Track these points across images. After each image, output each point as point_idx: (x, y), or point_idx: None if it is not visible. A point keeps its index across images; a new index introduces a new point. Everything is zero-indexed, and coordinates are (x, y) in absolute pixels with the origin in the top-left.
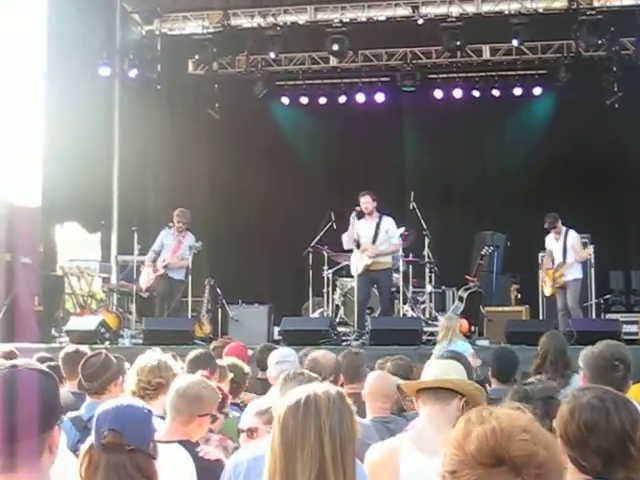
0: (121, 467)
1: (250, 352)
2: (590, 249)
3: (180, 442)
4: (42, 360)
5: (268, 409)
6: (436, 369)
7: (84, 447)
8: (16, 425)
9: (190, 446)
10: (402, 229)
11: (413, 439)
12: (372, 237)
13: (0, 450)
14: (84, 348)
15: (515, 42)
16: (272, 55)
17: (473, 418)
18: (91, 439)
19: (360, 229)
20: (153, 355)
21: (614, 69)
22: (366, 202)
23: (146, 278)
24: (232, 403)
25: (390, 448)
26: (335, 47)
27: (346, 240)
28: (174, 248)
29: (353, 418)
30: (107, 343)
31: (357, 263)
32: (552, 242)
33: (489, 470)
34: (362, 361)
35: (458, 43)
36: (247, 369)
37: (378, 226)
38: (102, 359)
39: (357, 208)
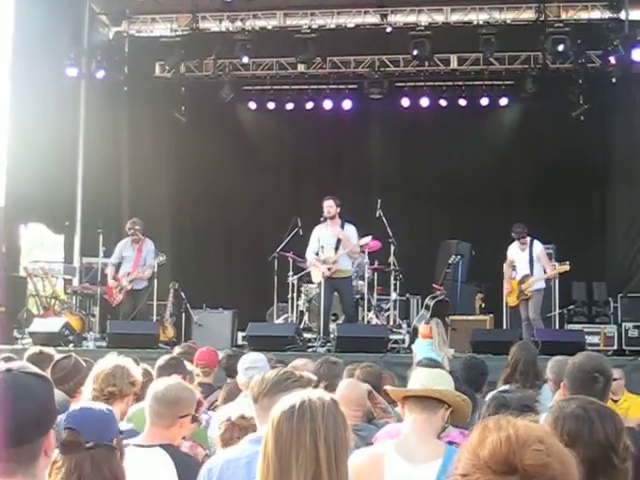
0: (80, 467)
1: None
2: (566, 266)
3: (161, 446)
4: (7, 360)
5: (243, 416)
6: (425, 377)
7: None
8: (12, 430)
9: (172, 449)
10: (369, 237)
11: (397, 446)
12: (334, 244)
13: None
14: (48, 349)
15: (487, 54)
16: (242, 60)
17: (490, 425)
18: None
19: (322, 235)
20: (111, 361)
21: (580, 81)
22: (329, 206)
23: (113, 294)
24: None
25: (374, 454)
26: (303, 53)
27: (308, 253)
28: (135, 260)
29: (347, 425)
30: (71, 345)
31: (317, 272)
32: (517, 252)
33: (500, 477)
34: (340, 371)
35: (426, 52)
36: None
37: (340, 232)
38: (72, 362)
39: (322, 219)
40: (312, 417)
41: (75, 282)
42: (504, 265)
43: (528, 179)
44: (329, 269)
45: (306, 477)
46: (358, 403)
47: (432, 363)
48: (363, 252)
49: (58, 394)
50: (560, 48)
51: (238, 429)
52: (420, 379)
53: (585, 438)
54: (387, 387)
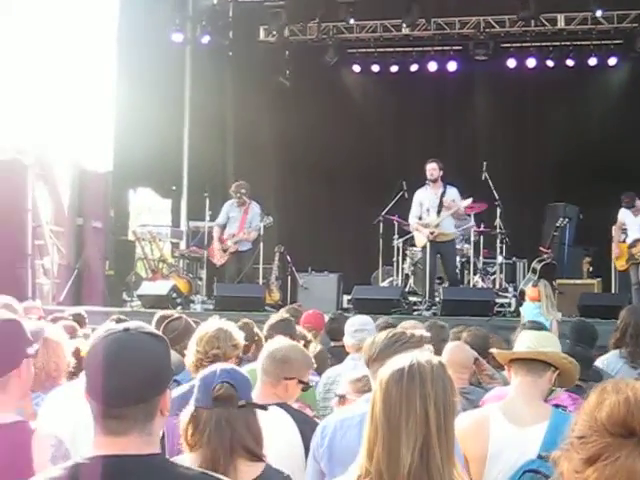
0: (234, 421)
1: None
2: None
3: (278, 404)
4: (118, 321)
5: (362, 378)
6: (531, 340)
7: (185, 413)
8: (129, 388)
9: (289, 408)
10: (470, 199)
11: (503, 409)
12: (437, 207)
13: (114, 414)
14: (166, 312)
15: (599, 12)
16: (347, 22)
17: (609, 387)
18: (191, 404)
19: (422, 198)
20: (214, 324)
21: None
22: (432, 169)
23: (219, 255)
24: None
25: (480, 417)
26: (407, 15)
27: (411, 216)
28: (241, 222)
29: (454, 389)
30: (179, 308)
31: (420, 236)
32: (628, 215)
33: (618, 440)
34: (447, 335)
35: (532, 12)
36: (310, 337)
37: (443, 195)
38: (183, 323)
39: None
40: (422, 380)
41: (182, 245)
42: (613, 228)
43: (638, 141)
44: (432, 233)
45: (416, 442)
46: (464, 365)
47: (537, 325)
48: (468, 215)
49: (173, 355)
50: None
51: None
52: (526, 342)
53: None
54: (493, 350)
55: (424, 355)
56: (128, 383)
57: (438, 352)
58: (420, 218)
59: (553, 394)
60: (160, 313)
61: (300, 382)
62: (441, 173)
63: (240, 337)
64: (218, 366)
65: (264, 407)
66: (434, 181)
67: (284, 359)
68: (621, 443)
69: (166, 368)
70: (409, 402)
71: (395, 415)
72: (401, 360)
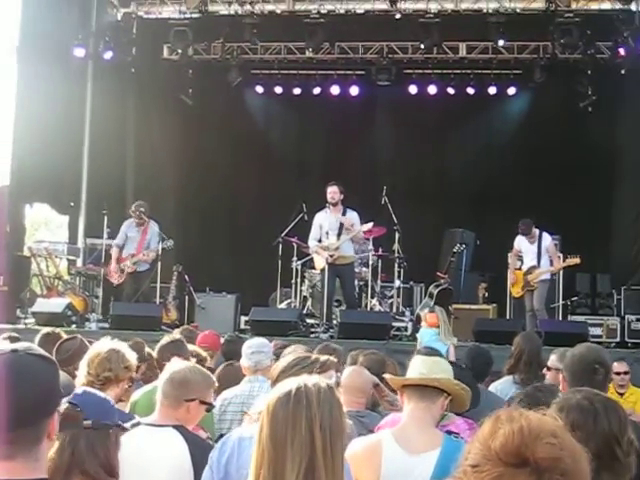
0: (75, 443)
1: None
2: (577, 259)
3: (174, 426)
4: (13, 340)
5: None
6: (424, 366)
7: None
8: (16, 412)
9: (184, 430)
10: (370, 224)
11: (396, 435)
12: (337, 230)
13: (1, 438)
14: (59, 331)
15: (501, 42)
16: (250, 43)
17: (502, 417)
18: None
19: (322, 221)
20: (106, 345)
21: (589, 72)
22: (333, 192)
23: (116, 275)
24: None
25: (373, 442)
26: (312, 38)
27: (311, 238)
28: (139, 242)
29: (342, 411)
30: (73, 326)
31: (319, 258)
32: (524, 243)
33: (511, 469)
34: (339, 358)
35: (435, 40)
36: (205, 355)
37: (343, 218)
38: (78, 343)
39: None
40: (308, 404)
41: (79, 263)
42: (509, 255)
43: (534, 169)
44: (331, 256)
45: (301, 463)
46: (362, 390)
47: (431, 351)
48: (367, 240)
49: (62, 376)
50: (569, 38)
51: None
52: (419, 367)
53: (590, 429)
54: (386, 375)
55: (312, 378)
56: (15, 406)
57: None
58: (320, 241)
59: (446, 419)
60: (44, 330)
61: (203, 403)
62: (342, 197)
63: (133, 358)
64: (78, 389)
65: (109, 426)
66: (334, 204)
67: (183, 381)
68: (514, 473)
69: (55, 391)
70: (295, 424)
71: (281, 437)
72: (289, 384)
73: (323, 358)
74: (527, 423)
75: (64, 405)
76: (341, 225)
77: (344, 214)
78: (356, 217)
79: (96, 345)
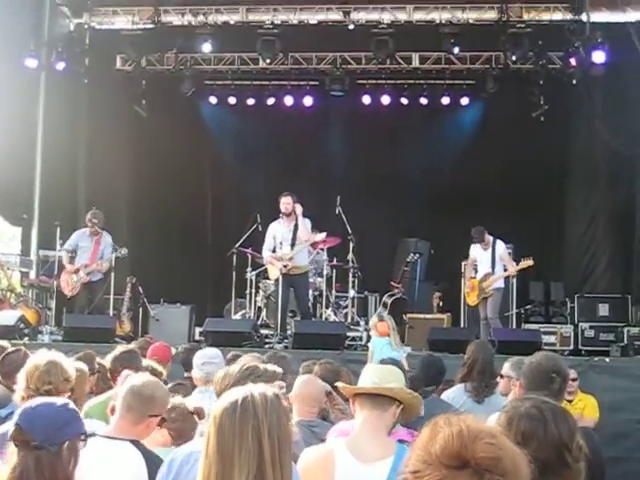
0: (24, 464)
1: (173, 351)
2: (530, 261)
3: (131, 441)
4: None
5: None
6: (376, 374)
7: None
8: None
9: (142, 446)
10: (324, 234)
11: (348, 444)
12: (291, 240)
13: None
14: (3, 342)
15: (456, 50)
16: (201, 54)
17: (441, 422)
18: None
19: (276, 231)
20: (44, 357)
21: (541, 82)
22: (286, 202)
23: (69, 285)
24: None
25: (325, 452)
26: (265, 49)
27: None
28: (92, 252)
29: (289, 419)
30: (26, 339)
31: (274, 269)
32: (479, 252)
33: (452, 472)
34: (288, 365)
35: (388, 50)
36: (160, 369)
37: (296, 228)
38: (22, 356)
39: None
40: (255, 413)
41: (32, 275)
42: (464, 264)
43: (487, 179)
44: (285, 266)
45: (249, 473)
46: (314, 399)
47: (389, 361)
48: (322, 249)
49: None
50: (521, 48)
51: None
52: (371, 376)
53: (539, 437)
54: (339, 384)
55: (258, 387)
56: None
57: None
58: (274, 251)
59: (394, 429)
60: None
61: (162, 419)
62: (295, 206)
63: (72, 369)
64: (27, 404)
65: (61, 443)
66: (288, 215)
67: (150, 397)
68: (455, 475)
69: None
70: (242, 434)
71: (228, 448)
72: (234, 393)
73: (271, 368)
74: (466, 426)
75: (12, 427)
76: (294, 235)
77: (297, 222)
78: (308, 223)
79: (34, 358)
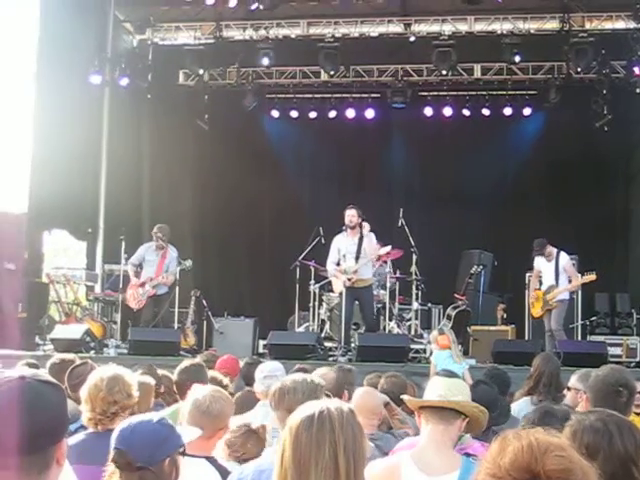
0: None
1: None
2: (592, 275)
3: (207, 458)
4: (31, 366)
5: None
6: (442, 387)
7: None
8: (23, 438)
9: (216, 463)
10: (389, 247)
11: (414, 457)
12: (355, 253)
13: (10, 464)
14: (70, 356)
15: (517, 58)
16: (263, 65)
17: (510, 436)
18: None
19: (341, 244)
20: (104, 374)
21: (604, 92)
22: (352, 215)
23: (136, 298)
24: None
25: (391, 465)
26: (327, 62)
27: (329, 263)
28: (158, 265)
29: (364, 435)
30: (92, 352)
31: (338, 282)
32: (543, 263)
33: None
34: (353, 378)
35: (449, 62)
36: (226, 382)
37: (361, 242)
38: (89, 369)
39: (343, 228)
40: (331, 427)
41: (97, 289)
42: (528, 276)
43: (552, 190)
44: (349, 279)
45: None
46: (373, 412)
47: (449, 374)
48: (385, 262)
49: (70, 403)
50: (584, 58)
51: (255, 438)
52: (437, 389)
53: (604, 451)
54: (404, 396)
55: (334, 402)
56: (23, 432)
57: (339, 394)
58: (338, 264)
59: (463, 440)
60: (55, 357)
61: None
62: (360, 220)
63: (135, 384)
64: (122, 424)
65: (161, 473)
66: (352, 227)
67: (220, 413)
68: None
69: (62, 417)
70: (319, 448)
71: (305, 461)
72: (311, 407)
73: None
74: (535, 438)
75: (113, 451)
76: (359, 248)
77: (362, 236)
78: (372, 238)
79: (93, 376)
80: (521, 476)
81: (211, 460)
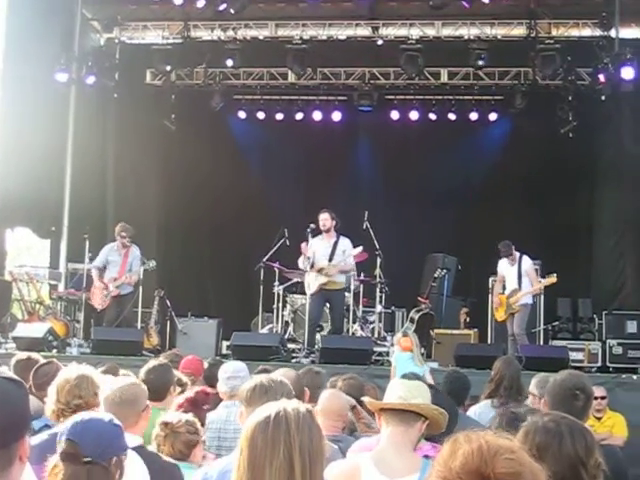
0: (75, 478)
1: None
2: (553, 278)
3: (134, 449)
4: None
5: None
6: (402, 390)
7: (54, 457)
8: None
9: (144, 452)
10: (360, 248)
11: (374, 459)
12: (329, 256)
13: None
14: (36, 355)
15: (480, 62)
16: (229, 66)
17: (460, 438)
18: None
19: (316, 247)
20: (74, 371)
21: (569, 98)
22: (324, 219)
23: (100, 298)
24: None
25: (351, 467)
26: (294, 64)
27: (301, 261)
28: (121, 265)
29: (322, 435)
30: (55, 351)
31: (312, 282)
32: (506, 267)
33: None
34: (322, 381)
35: (416, 66)
36: (189, 383)
37: (335, 245)
38: (54, 368)
39: (311, 225)
40: (287, 428)
41: (60, 287)
42: (491, 280)
43: (515, 195)
44: (326, 273)
45: None
46: (339, 414)
47: (412, 376)
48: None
49: (33, 400)
50: (550, 64)
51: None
52: (398, 391)
53: (554, 451)
54: (365, 398)
55: (291, 403)
56: None
57: (313, 398)
58: (312, 266)
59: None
60: (20, 355)
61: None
62: (334, 223)
63: (101, 383)
64: (75, 418)
65: (110, 469)
66: (327, 231)
67: (135, 397)
68: None
69: (24, 413)
70: (274, 449)
71: (260, 462)
72: (267, 408)
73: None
74: (485, 441)
75: (62, 442)
76: (333, 252)
77: (337, 240)
78: (349, 243)
79: (64, 372)
80: (471, 479)
81: (139, 450)
